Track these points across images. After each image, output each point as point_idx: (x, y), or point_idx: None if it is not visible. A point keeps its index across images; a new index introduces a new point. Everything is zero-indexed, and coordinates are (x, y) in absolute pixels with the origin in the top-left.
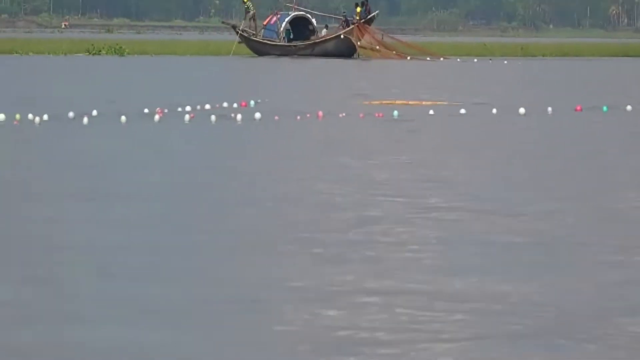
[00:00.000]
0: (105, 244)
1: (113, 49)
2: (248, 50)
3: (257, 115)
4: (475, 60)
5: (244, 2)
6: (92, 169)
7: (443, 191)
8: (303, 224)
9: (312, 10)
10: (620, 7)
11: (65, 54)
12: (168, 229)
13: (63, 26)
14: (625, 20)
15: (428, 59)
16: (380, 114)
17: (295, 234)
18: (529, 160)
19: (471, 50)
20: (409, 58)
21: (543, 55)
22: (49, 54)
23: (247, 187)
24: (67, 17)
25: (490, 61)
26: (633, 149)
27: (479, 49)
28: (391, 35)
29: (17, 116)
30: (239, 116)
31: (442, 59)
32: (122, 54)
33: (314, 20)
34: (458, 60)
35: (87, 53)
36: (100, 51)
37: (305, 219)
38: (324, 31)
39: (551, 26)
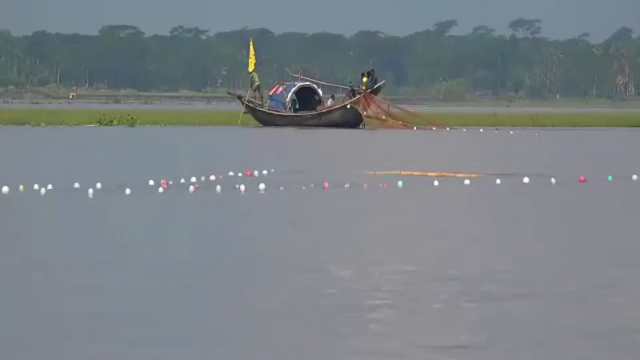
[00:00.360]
0: (97, 313)
1: (124, 120)
2: (255, 121)
3: (262, 186)
4: (481, 130)
5: (250, 74)
6: (91, 240)
7: (432, 263)
8: (304, 294)
9: (319, 80)
10: (627, 77)
11: (77, 125)
12: (161, 299)
13: (71, 97)
14: (633, 90)
15: (434, 128)
16: (385, 184)
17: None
18: (515, 231)
19: (481, 120)
20: (415, 128)
21: (553, 126)
22: (60, 124)
23: (245, 260)
24: (75, 87)
25: (497, 131)
26: (625, 220)
27: (489, 119)
28: (397, 105)
29: (21, 187)
30: (242, 187)
31: (448, 128)
32: (133, 124)
33: (320, 91)
34: (464, 130)
35: (99, 124)
36: (111, 121)
37: (306, 289)
38: (329, 101)
39: (558, 96)
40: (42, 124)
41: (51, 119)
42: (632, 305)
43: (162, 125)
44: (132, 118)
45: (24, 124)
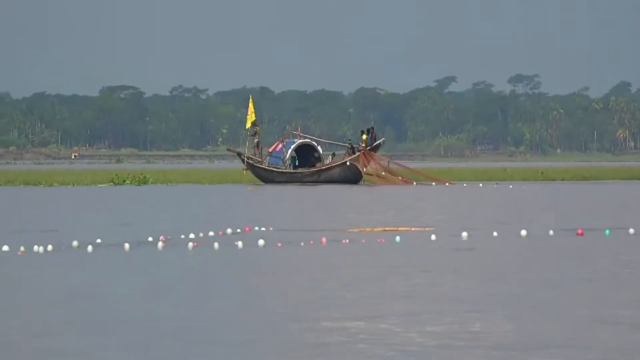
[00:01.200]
0: None
1: (137, 179)
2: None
3: (261, 242)
4: (481, 185)
5: (253, 128)
6: (84, 298)
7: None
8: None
9: (318, 137)
10: (627, 131)
11: (91, 185)
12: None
13: (73, 157)
14: (632, 144)
15: (434, 184)
16: (383, 240)
17: None
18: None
19: (492, 174)
20: (414, 184)
21: (562, 179)
22: (73, 185)
23: (240, 318)
24: (77, 148)
25: (496, 185)
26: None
27: (499, 174)
28: (397, 161)
29: (22, 248)
30: (239, 243)
31: (447, 184)
32: (145, 183)
33: (319, 148)
34: (464, 185)
35: (112, 183)
36: (124, 181)
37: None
38: (329, 158)
39: (559, 150)
40: (56, 184)
41: (65, 179)
42: None
43: (171, 183)
44: (145, 177)
45: (38, 185)
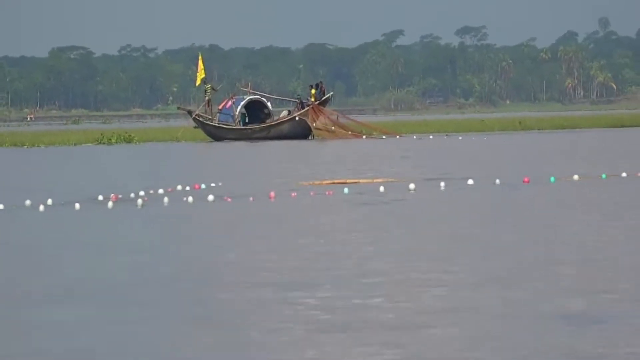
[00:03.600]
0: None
1: (122, 138)
2: (199, 135)
3: (210, 197)
4: (431, 137)
5: (204, 85)
6: (26, 258)
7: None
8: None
9: (268, 93)
10: (576, 81)
11: (76, 144)
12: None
13: (29, 119)
14: (582, 93)
15: (384, 137)
16: (330, 192)
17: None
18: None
19: (470, 126)
20: (364, 137)
21: (539, 129)
22: (60, 144)
23: (198, 271)
24: (32, 109)
25: (446, 137)
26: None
27: (477, 125)
28: (347, 115)
29: None
30: (190, 198)
31: (398, 137)
32: (130, 141)
33: (269, 104)
34: (414, 137)
35: (97, 142)
36: (110, 139)
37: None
38: (284, 113)
39: (508, 101)
40: (42, 145)
41: (51, 139)
42: None
43: (156, 141)
44: (130, 136)
45: (22, 146)
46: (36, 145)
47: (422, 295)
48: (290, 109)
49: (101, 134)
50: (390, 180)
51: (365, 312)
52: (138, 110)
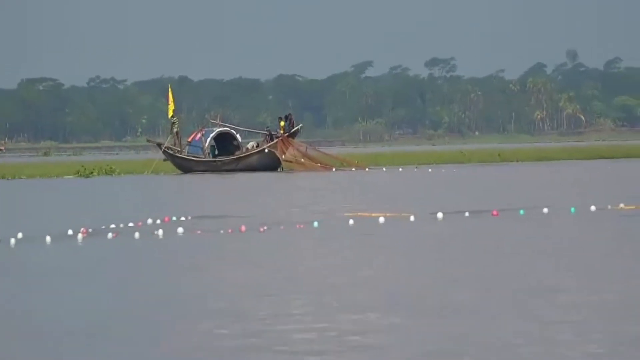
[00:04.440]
0: None
1: (104, 170)
2: (171, 167)
3: (180, 230)
4: (400, 169)
5: (171, 119)
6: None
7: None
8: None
9: (237, 125)
10: (544, 112)
11: (57, 177)
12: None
13: (1, 150)
14: (550, 125)
15: (353, 169)
16: (301, 225)
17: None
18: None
19: (449, 157)
20: (334, 169)
21: (517, 161)
22: (41, 177)
23: (167, 304)
24: (3, 141)
25: (416, 169)
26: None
27: (457, 156)
28: (316, 147)
29: None
30: (160, 232)
31: (367, 169)
32: (112, 174)
33: (238, 136)
34: (384, 169)
35: (77, 175)
36: (92, 172)
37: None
38: (251, 144)
39: (477, 133)
40: (23, 177)
41: (32, 171)
42: None
43: (137, 173)
44: (111, 168)
45: (3, 177)
46: (17, 177)
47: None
48: (259, 140)
49: (82, 166)
50: (360, 214)
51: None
52: (107, 142)
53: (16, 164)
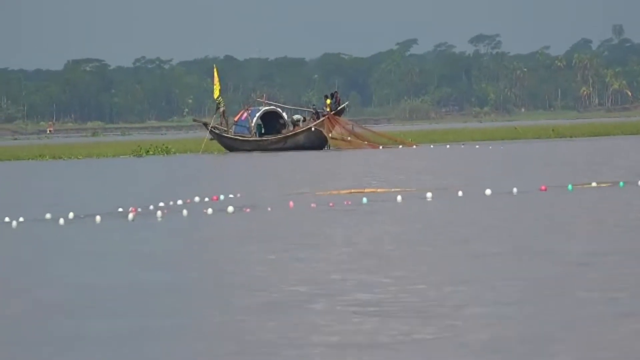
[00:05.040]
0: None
1: (160, 149)
2: (220, 147)
3: (230, 208)
4: (448, 146)
5: (216, 100)
6: (49, 271)
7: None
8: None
9: (283, 104)
10: (591, 88)
11: (114, 157)
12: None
13: (48, 131)
14: (597, 101)
15: (400, 147)
16: (349, 202)
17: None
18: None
19: (502, 134)
20: (381, 147)
21: (570, 137)
22: (97, 157)
23: (220, 283)
24: (51, 122)
25: (463, 146)
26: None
27: (509, 133)
28: (363, 125)
29: None
30: (209, 210)
31: (414, 146)
32: (168, 153)
33: (284, 114)
34: (431, 146)
35: (134, 154)
36: (148, 151)
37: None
38: (297, 116)
39: (523, 110)
40: (80, 157)
41: (89, 151)
42: None
43: (192, 152)
44: (167, 148)
45: (60, 158)
46: (73, 157)
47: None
48: (304, 115)
49: (138, 146)
50: (407, 190)
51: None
52: (153, 122)
53: (72, 144)
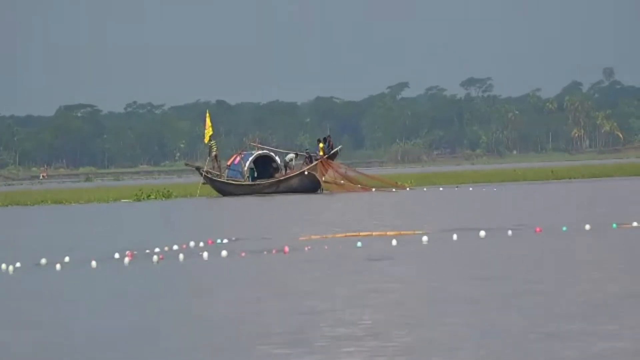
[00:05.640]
0: None
1: (162, 193)
2: (214, 191)
3: (224, 253)
4: (441, 189)
5: (208, 144)
6: (49, 317)
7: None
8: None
9: (276, 148)
10: (582, 130)
11: (114, 201)
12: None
13: (41, 177)
14: (588, 143)
15: (394, 190)
16: (340, 246)
17: None
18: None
19: (501, 176)
20: (374, 190)
21: (569, 178)
22: (98, 202)
23: (208, 330)
24: (44, 168)
25: (457, 188)
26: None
27: (508, 175)
28: (355, 169)
29: None
30: (205, 254)
31: (408, 189)
32: (169, 197)
33: (277, 158)
34: (424, 190)
35: (135, 198)
36: (149, 196)
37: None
38: (289, 156)
39: (515, 152)
40: (81, 202)
41: (89, 196)
42: None
43: (191, 196)
44: (169, 191)
45: (60, 203)
46: (74, 202)
47: None
48: (295, 152)
49: (140, 190)
50: (403, 233)
51: None
52: (146, 167)
53: (73, 189)
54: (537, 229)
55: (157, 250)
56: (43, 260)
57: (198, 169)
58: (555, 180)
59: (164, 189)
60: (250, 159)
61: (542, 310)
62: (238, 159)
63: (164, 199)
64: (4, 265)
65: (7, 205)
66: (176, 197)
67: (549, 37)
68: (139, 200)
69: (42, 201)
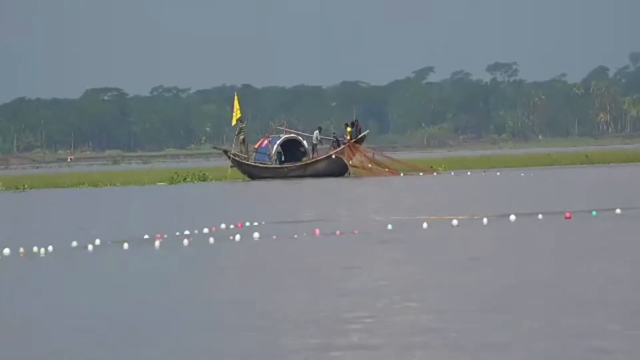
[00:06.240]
0: None
1: (197, 176)
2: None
3: (256, 235)
4: (469, 173)
5: (237, 125)
6: (78, 299)
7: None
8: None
9: (303, 132)
10: (608, 115)
11: (149, 184)
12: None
13: (69, 160)
14: (614, 128)
15: (421, 174)
16: (371, 230)
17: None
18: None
19: (537, 160)
20: (401, 174)
21: (603, 163)
22: (134, 184)
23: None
24: (71, 151)
25: (484, 173)
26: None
27: (544, 159)
28: (382, 153)
29: (22, 249)
30: (237, 236)
31: (435, 173)
32: (205, 180)
33: (305, 142)
34: (452, 173)
35: (170, 182)
36: (185, 179)
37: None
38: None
39: (540, 137)
40: (117, 184)
41: (125, 179)
42: None
43: (225, 180)
44: (204, 175)
45: (96, 186)
46: (111, 185)
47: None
48: (324, 140)
49: (175, 173)
50: (433, 217)
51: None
52: (172, 150)
53: (109, 172)
54: (567, 215)
55: (186, 232)
56: (74, 243)
57: (226, 152)
58: (589, 165)
59: (200, 171)
60: (278, 142)
61: None
62: (266, 142)
63: (199, 182)
64: (35, 248)
65: (49, 187)
66: (212, 180)
67: (575, 22)
68: (174, 183)
69: (79, 184)
